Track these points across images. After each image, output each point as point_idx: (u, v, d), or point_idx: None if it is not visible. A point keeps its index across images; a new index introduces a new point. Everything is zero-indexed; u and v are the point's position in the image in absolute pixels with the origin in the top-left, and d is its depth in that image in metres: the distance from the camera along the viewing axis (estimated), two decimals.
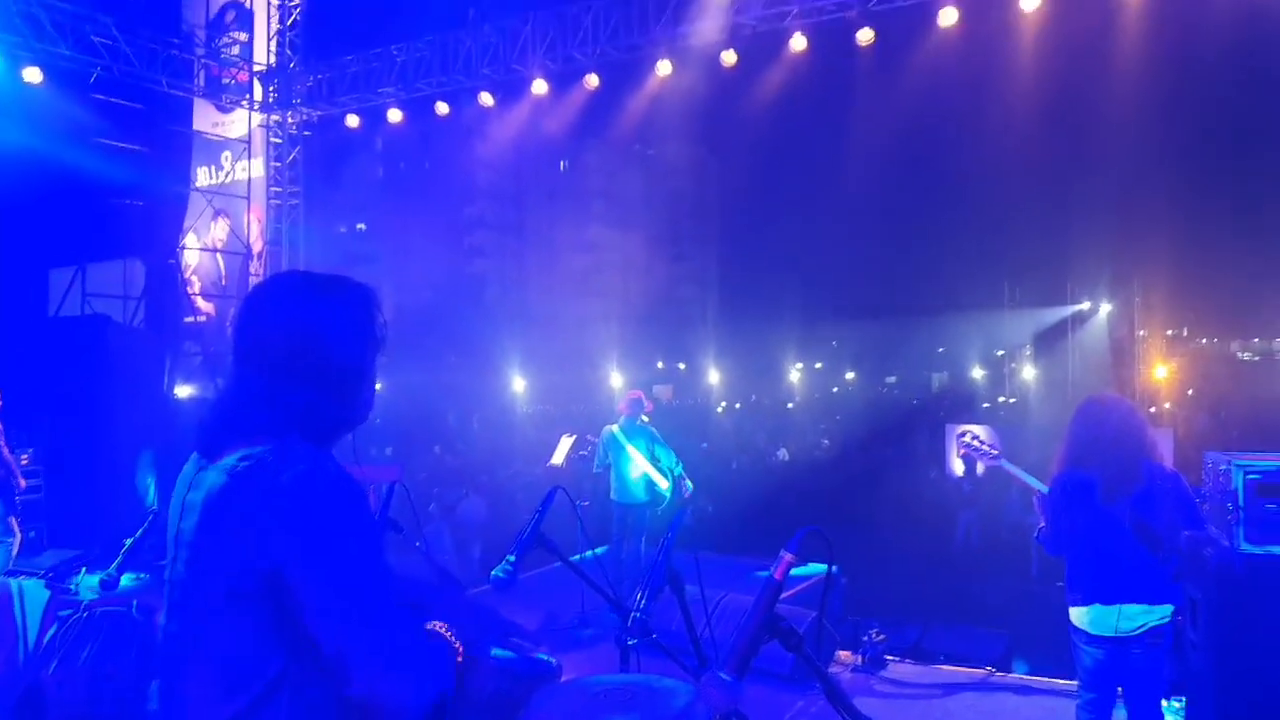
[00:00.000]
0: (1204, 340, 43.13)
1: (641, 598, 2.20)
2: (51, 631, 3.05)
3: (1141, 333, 28.16)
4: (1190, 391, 27.74)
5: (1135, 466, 3.78)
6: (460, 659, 1.72)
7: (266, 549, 1.51)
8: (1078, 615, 3.87)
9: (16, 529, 8.68)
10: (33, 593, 3.07)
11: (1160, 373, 26.45)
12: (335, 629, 1.51)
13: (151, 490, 9.85)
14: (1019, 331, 36.53)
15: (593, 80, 11.52)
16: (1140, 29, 10.12)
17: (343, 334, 1.69)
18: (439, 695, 1.58)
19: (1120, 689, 3.92)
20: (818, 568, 7.93)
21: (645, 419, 8.50)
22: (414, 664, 1.53)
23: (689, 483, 8.34)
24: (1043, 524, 4.11)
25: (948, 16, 9.65)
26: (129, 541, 3.31)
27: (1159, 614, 3.74)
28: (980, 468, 16.56)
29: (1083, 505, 3.84)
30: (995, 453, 4.41)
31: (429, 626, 1.73)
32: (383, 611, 1.52)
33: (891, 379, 44.34)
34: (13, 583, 3.09)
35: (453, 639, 1.73)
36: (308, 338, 1.66)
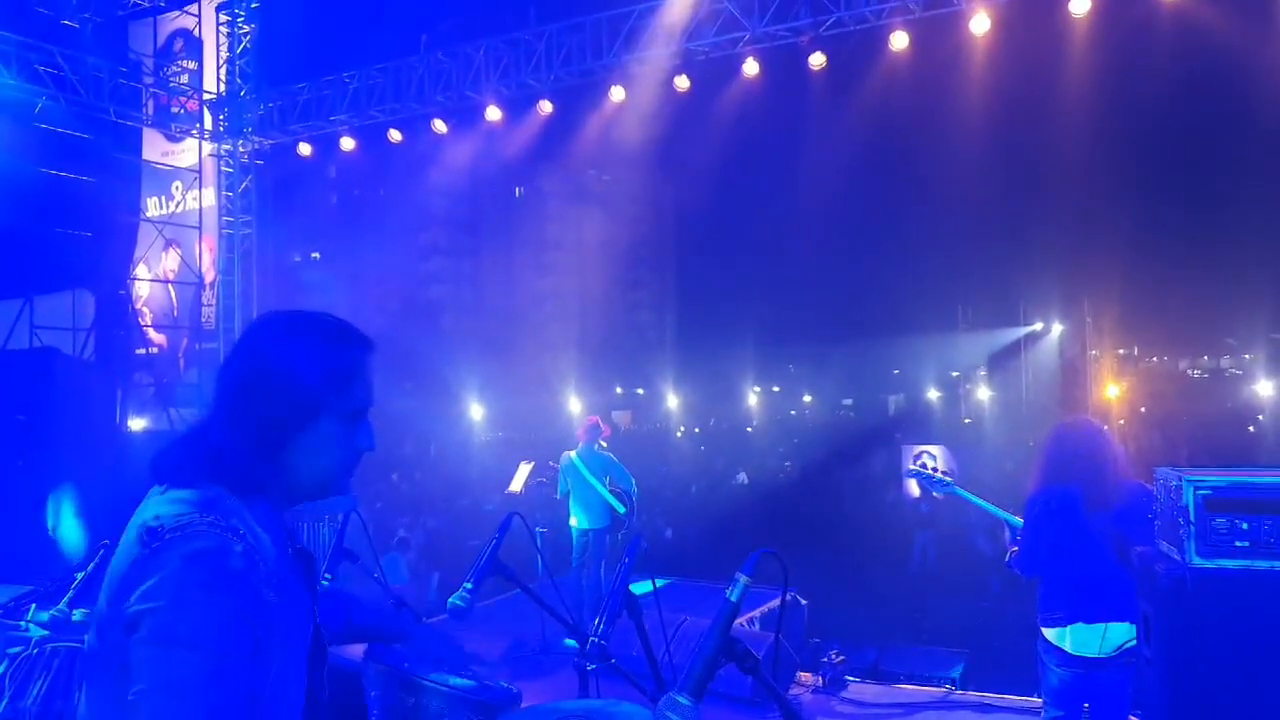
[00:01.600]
0: (1154, 359, 44.02)
1: (600, 623, 2.20)
2: (0, 669, 2.97)
3: (1093, 352, 28.69)
4: (1142, 409, 28.28)
5: (1115, 482, 3.86)
6: None
7: (127, 624, 1.40)
8: (1056, 635, 3.87)
9: None
10: None
11: (1112, 391, 26.94)
12: None
13: (71, 527, 9.69)
14: (973, 353, 37.07)
15: (546, 106, 11.57)
16: (1089, 54, 10.38)
17: (286, 384, 1.54)
18: None
19: (1086, 705, 3.96)
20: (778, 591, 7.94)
21: (603, 445, 8.51)
22: None
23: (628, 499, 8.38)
24: (1014, 549, 4.10)
25: (899, 41, 9.84)
26: (80, 576, 3.25)
27: (1134, 632, 3.77)
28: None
29: (1066, 518, 3.86)
30: (949, 480, 4.42)
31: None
32: None
33: (848, 401, 44.68)
34: None
35: None
36: (249, 379, 1.55)
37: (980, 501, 4.29)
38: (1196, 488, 3.78)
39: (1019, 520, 4.14)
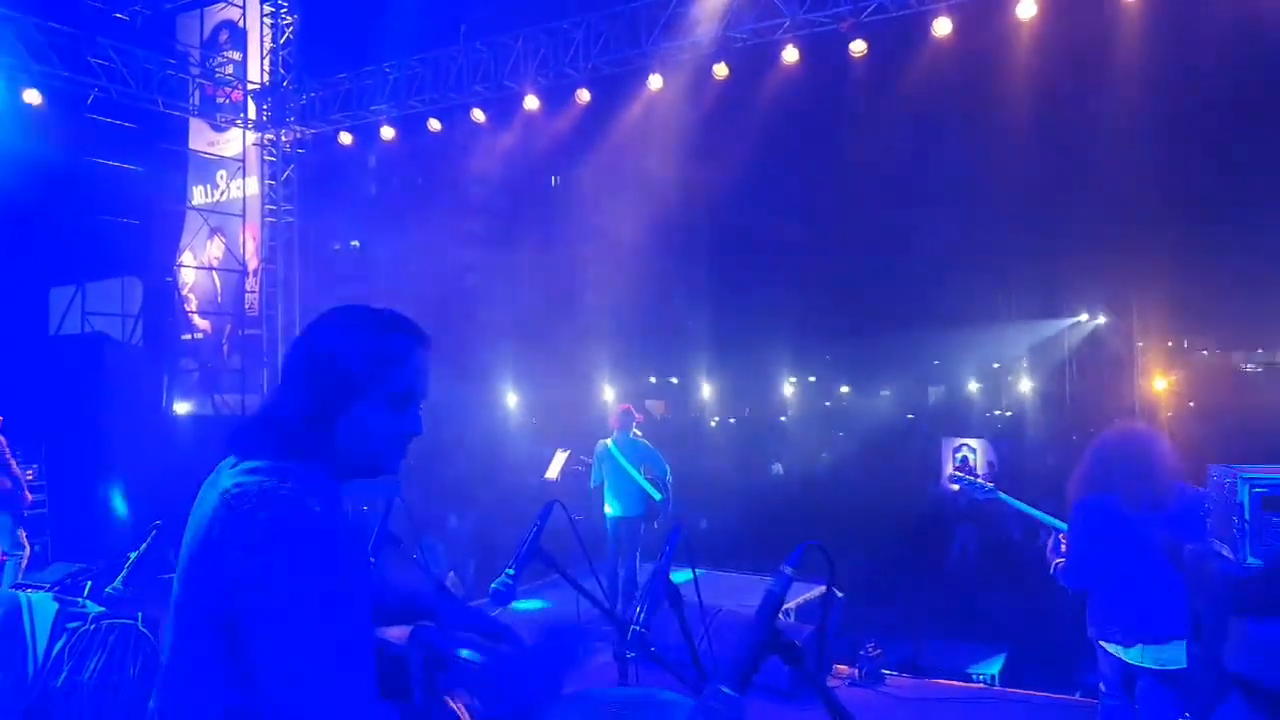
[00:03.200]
0: (1205, 351, 42.94)
1: (641, 611, 2.21)
2: (59, 644, 3.09)
3: (1140, 344, 28.13)
4: (1191, 403, 27.68)
5: (1164, 485, 3.70)
6: None
7: (232, 587, 1.53)
8: (1115, 649, 3.76)
9: (25, 542, 8.80)
10: (41, 606, 3.12)
11: (1160, 385, 26.38)
12: (272, 693, 1.50)
13: (121, 506, 9.94)
14: (1015, 344, 36.53)
15: (584, 95, 11.56)
16: (1137, 38, 10.12)
17: (336, 362, 1.70)
18: None
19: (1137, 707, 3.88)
20: (814, 584, 7.95)
21: (637, 432, 8.52)
22: None
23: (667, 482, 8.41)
24: (1059, 561, 3.99)
25: (942, 27, 9.68)
26: (133, 555, 3.35)
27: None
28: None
29: (1111, 529, 3.73)
30: (990, 485, 4.33)
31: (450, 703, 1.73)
32: (326, 681, 1.49)
33: (886, 392, 44.26)
34: (21, 596, 3.13)
35: (461, 711, 1.71)
36: (307, 358, 1.72)
37: (1024, 506, 4.20)
38: (1253, 486, 3.67)
39: (1065, 525, 4.02)
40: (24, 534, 8.90)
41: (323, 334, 1.75)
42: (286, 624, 1.49)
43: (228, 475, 1.65)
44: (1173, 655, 3.66)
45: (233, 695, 1.54)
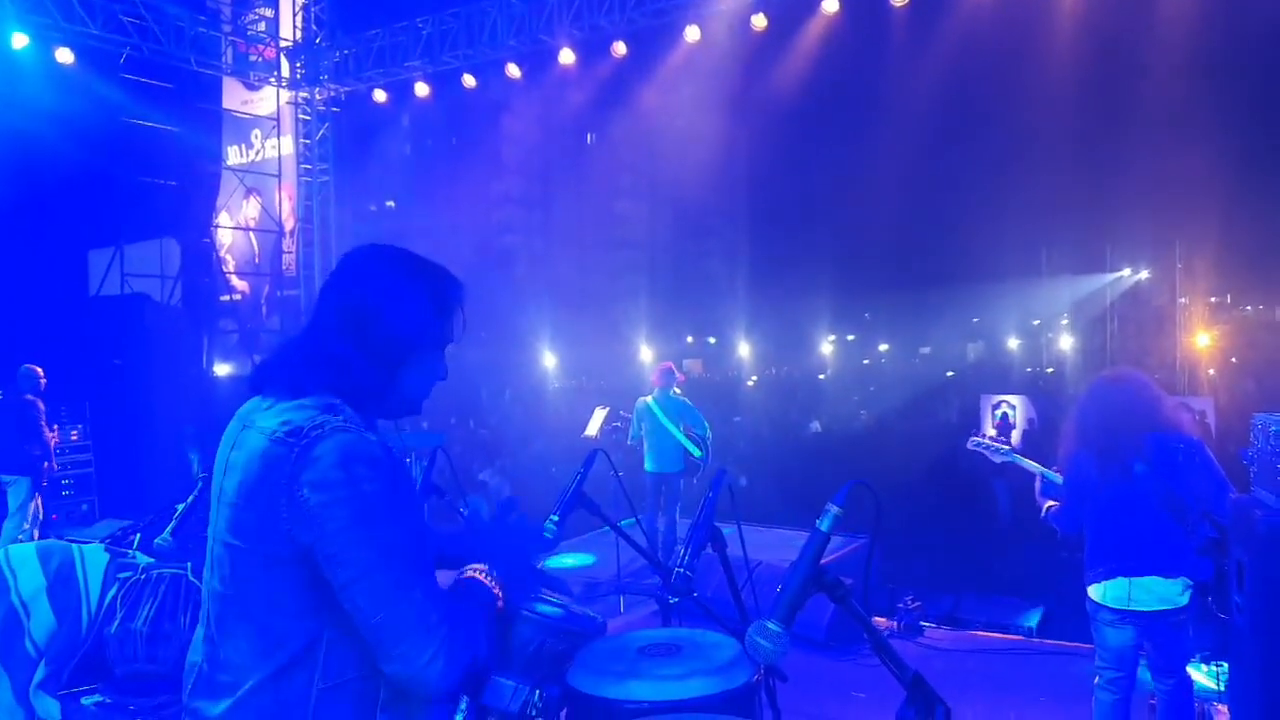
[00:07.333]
0: (1248, 307, 42.16)
1: (685, 554, 2.20)
2: (112, 593, 3.16)
3: (1183, 300, 27.60)
4: (1234, 359, 27.25)
5: (1141, 441, 3.76)
6: (500, 606, 1.76)
7: (301, 521, 1.53)
8: (1099, 591, 3.85)
9: (41, 511, 8.78)
10: (93, 557, 3.18)
11: (1202, 340, 25.95)
12: (364, 612, 1.54)
13: (195, 463, 10.10)
14: (1056, 300, 35.94)
15: (620, 48, 11.41)
16: None
17: (408, 310, 1.70)
18: (470, 664, 1.60)
19: (1143, 657, 3.94)
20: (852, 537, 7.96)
21: (677, 390, 8.53)
22: (443, 646, 1.54)
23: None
24: (1050, 505, 4.09)
25: None
26: (180, 507, 3.41)
27: (1179, 587, 3.73)
28: (1015, 436, 16.31)
29: (1097, 480, 3.83)
30: (1006, 448, 4.42)
31: (467, 574, 1.76)
32: (410, 595, 1.54)
33: (925, 349, 43.85)
34: (74, 547, 3.19)
35: (492, 585, 1.75)
36: (371, 302, 1.69)
37: (1035, 465, 4.27)
38: None
39: (1059, 477, 4.09)
40: (40, 503, 8.79)
41: (390, 278, 1.73)
42: (368, 551, 1.52)
43: (269, 415, 1.64)
44: (1158, 592, 3.73)
45: (312, 625, 1.58)
